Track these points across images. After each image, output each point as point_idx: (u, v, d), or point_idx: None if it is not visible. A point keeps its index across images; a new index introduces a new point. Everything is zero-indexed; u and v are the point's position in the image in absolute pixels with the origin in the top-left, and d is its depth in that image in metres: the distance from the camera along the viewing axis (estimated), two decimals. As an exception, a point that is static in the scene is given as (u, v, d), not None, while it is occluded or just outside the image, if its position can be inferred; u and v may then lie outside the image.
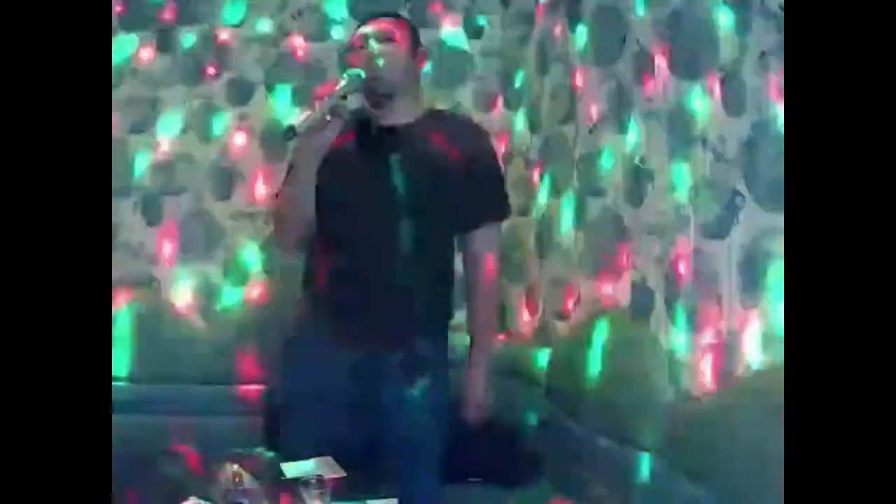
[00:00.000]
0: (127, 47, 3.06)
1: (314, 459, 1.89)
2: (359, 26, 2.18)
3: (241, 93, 3.14)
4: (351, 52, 2.14)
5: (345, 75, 2.04)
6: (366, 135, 2.10)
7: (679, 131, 2.21)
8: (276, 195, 2.19)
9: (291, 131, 1.91)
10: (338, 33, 3.17)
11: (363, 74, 2.03)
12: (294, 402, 2.13)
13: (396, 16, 2.24)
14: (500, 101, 3.28)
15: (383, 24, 2.13)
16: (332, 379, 2.06)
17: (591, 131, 2.65)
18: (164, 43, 3.09)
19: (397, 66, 2.09)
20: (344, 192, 2.05)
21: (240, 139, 3.14)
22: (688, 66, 2.17)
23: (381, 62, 2.06)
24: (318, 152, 2.01)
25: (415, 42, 2.16)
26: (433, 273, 2.11)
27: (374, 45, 2.08)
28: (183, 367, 2.96)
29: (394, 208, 2.05)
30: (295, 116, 1.98)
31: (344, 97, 2.00)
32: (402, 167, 2.06)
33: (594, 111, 2.63)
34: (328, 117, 1.96)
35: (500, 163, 2.33)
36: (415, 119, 2.13)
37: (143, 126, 3.09)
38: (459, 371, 2.19)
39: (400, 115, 2.12)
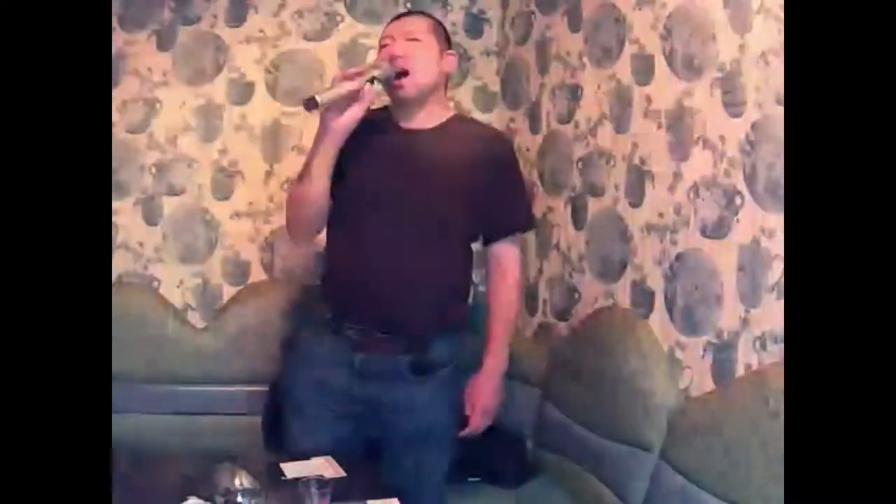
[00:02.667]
0: (127, 47, 3.06)
1: (314, 459, 1.89)
2: (388, 24, 2.15)
3: (241, 93, 3.14)
4: (379, 49, 2.10)
5: (375, 63, 2.00)
6: (388, 137, 2.07)
7: (679, 131, 2.21)
8: (293, 183, 2.13)
9: (312, 102, 1.87)
10: (338, 33, 3.18)
11: (391, 67, 2.00)
12: (299, 400, 2.13)
13: (427, 15, 2.20)
14: (500, 101, 3.29)
15: (412, 24, 2.10)
16: (338, 378, 2.05)
17: (591, 131, 2.65)
18: (164, 43, 3.09)
19: (424, 67, 2.05)
20: (364, 194, 2.03)
21: (240, 139, 3.14)
22: (688, 66, 2.18)
23: (407, 63, 2.03)
24: (339, 134, 1.96)
25: (443, 44, 2.13)
26: (447, 276, 2.09)
27: (401, 45, 2.05)
28: (183, 367, 2.96)
29: (412, 211, 2.02)
30: (319, 91, 1.89)
31: (371, 81, 1.96)
32: (423, 172, 2.04)
33: (594, 111, 2.63)
34: (365, 88, 1.92)
35: (522, 173, 2.29)
36: (439, 123, 2.11)
37: (143, 126, 3.09)
38: (468, 373, 2.19)
39: (424, 118, 2.09)
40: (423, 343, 2.06)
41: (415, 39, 2.05)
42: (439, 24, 2.17)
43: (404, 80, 2.02)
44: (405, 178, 2.03)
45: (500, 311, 2.19)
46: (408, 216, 2.02)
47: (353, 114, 1.94)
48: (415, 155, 2.05)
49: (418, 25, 2.09)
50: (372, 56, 3.02)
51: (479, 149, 2.11)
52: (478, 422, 2.17)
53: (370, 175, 2.03)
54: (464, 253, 2.15)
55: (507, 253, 2.19)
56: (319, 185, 2.00)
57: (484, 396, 2.16)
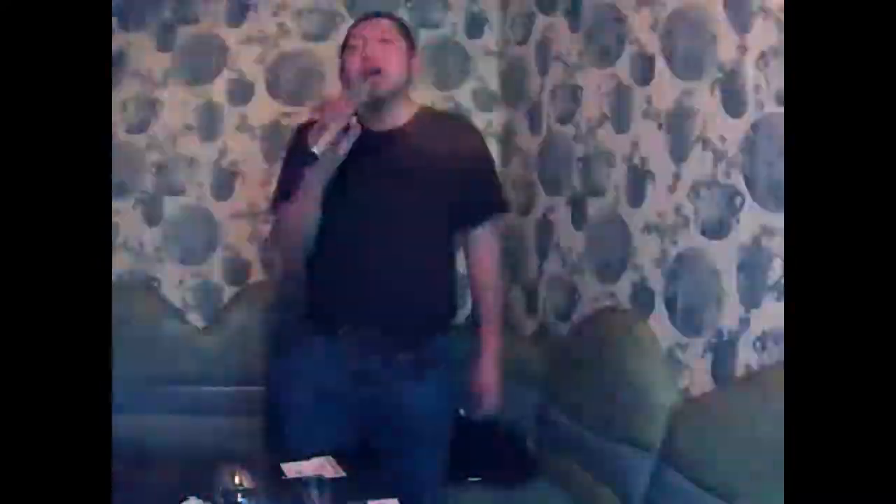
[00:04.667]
0: (127, 47, 3.06)
1: (314, 459, 1.89)
2: (354, 25, 2.16)
3: (241, 93, 3.14)
4: (348, 51, 2.10)
5: (354, 92, 2.00)
6: (362, 141, 2.07)
7: (679, 131, 2.21)
8: (275, 207, 2.16)
9: (313, 157, 1.91)
10: (338, 33, 3.18)
11: (369, 86, 2.00)
12: (296, 401, 2.13)
13: (393, 17, 2.21)
14: (500, 101, 3.29)
15: (382, 26, 2.10)
16: (334, 379, 2.06)
17: (590, 131, 2.65)
18: (164, 43, 3.09)
19: (396, 68, 2.06)
20: (342, 199, 2.04)
21: (240, 139, 3.14)
22: (688, 66, 2.18)
23: (381, 65, 2.03)
24: (331, 168, 1.99)
25: (411, 45, 2.15)
26: (435, 272, 2.10)
27: (374, 46, 2.06)
28: (183, 367, 2.96)
29: (391, 210, 2.04)
30: (314, 144, 1.91)
31: (355, 114, 1.98)
32: (397, 169, 2.05)
33: (594, 111, 2.63)
34: (352, 122, 1.94)
35: (493, 158, 2.29)
36: (407, 120, 2.12)
37: (143, 126, 3.10)
38: (462, 369, 2.19)
39: (393, 118, 2.10)
40: (418, 341, 2.07)
41: (386, 41, 2.06)
42: (407, 26, 2.19)
43: (377, 79, 2.02)
44: (384, 178, 2.04)
45: (485, 294, 2.22)
46: (392, 216, 2.03)
47: (343, 146, 1.96)
48: (389, 155, 2.06)
49: (389, 27, 2.10)
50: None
51: (449, 140, 2.12)
52: (484, 409, 2.18)
53: (350, 181, 2.03)
54: (449, 246, 2.17)
55: (483, 238, 2.20)
56: (314, 215, 2.03)
57: (487, 383, 2.17)
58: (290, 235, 2.13)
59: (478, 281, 2.22)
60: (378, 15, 2.18)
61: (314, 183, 2.00)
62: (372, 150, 2.05)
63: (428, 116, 2.18)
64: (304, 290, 2.18)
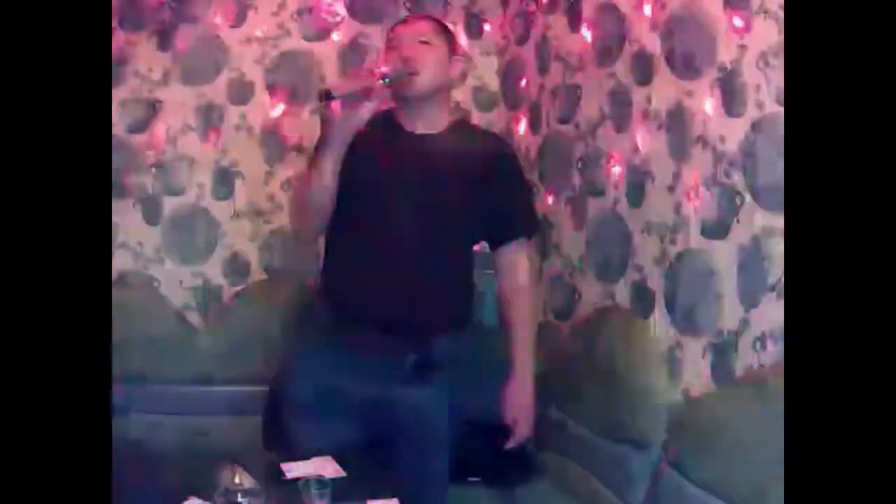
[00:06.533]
0: (127, 47, 3.06)
1: (314, 459, 1.89)
2: (395, 25, 2.14)
3: (241, 93, 3.14)
4: (387, 51, 2.08)
5: (387, 63, 1.99)
6: (392, 139, 2.07)
7: (679, 131, 2.21)
8: (299, 178, 2.12)
9: (328, 94, 1.87)
10: (337, 33, 3.18)
11: (403, 68, 1.99)
12: (300, 401, 2.12)
13: (436, 20, 2.18)
14: (500, 101, 3.29)
15: (421, 26, 2.08)
16: (337, 377, 2.05)
17: (590, 131, 2.65)
18: (164, 43, 3.09)
19: (432, 69, 2.04)
20: (366, 195, 2.03)
21: (240, 139, 3.14)
22: (688, 66, 2.18)
23: (417, 64, 2.01)
24: (349, 131, 1.95)
25: (451, 49, 2.12)
26: (447, 277, 2.09)
27: (411, 46, 2.04)
28: (183, 367, 2.96)
29: (414, 213, 2.02)
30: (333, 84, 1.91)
31: (383, 80, 1.95)
32: (426, 174, 2.04)
33: (594, 111, 2.63)
34: (377, 86, 1.91)
35: (524, 178, 2.27)
36: (443, 128, 2.11)
37: (143, 126, 3.10)
38: (473, 373, 2.17)
39: (428, 122, 2.09)
40: (424, 344, 2.06)
41: (425, 42, 2.05)
42: (448, 29, 2.17)
43: (412, 79, 2.02)
44: (409, 180, 2.03)
45: (515, 315, 2.17)
46: (411, 218, 2.02)
47: (364, 111, 1.94)
48: (418, 158, 2.05)
49: (428, 28, 2.09)
50: (373, 56, 3.03)
51: (482, 154, 2.11)
52: (522, 432, 2.15)
53: (374, 177, 2.03)
54: (466, 255, 2.15)
55: (513, 258, 2.18)
56: (328, 182, 2.00)
57: (523, 405, 2.13)
58: (304, 211, 2.08)
59: (506, 298, 2.17)
60: (419, 16, 2.16)
61: (332, 139, 1.96)
62: (401, 148, 2.05)
63: (465, 128, 2.18)
64: (318, 281, 2.17)
